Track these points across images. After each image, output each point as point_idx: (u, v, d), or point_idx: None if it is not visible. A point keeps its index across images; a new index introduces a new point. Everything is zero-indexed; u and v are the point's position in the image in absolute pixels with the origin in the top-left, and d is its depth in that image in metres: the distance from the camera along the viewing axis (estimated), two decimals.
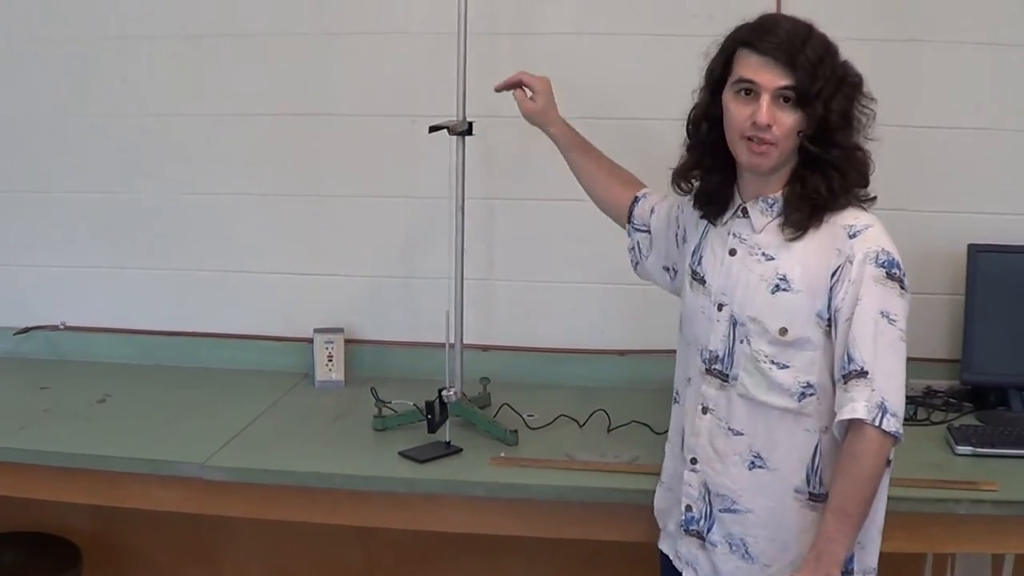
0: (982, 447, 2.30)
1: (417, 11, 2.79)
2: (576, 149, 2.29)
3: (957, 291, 2.67)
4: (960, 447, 2.31)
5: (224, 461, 2.32)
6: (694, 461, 1.91)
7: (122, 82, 2.95)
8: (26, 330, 3.05)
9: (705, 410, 1.89)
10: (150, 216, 3.01)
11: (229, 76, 2.91)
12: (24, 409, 2.62)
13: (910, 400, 2.33)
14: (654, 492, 2.10)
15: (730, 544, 1.87)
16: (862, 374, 1.71)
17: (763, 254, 1.82)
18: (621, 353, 2.86)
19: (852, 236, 1.75)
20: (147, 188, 3.00)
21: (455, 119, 2.51)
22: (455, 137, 2.51)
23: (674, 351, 2.79)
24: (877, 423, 1.69)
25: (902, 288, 1.74)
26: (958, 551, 2.73)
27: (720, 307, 1.87)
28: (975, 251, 2.62)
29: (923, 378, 2.63)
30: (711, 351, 1.88)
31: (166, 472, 2.32)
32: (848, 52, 1.81)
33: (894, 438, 1.72)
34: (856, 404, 1.70)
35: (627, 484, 2.20)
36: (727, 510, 1.87)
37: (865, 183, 1.81)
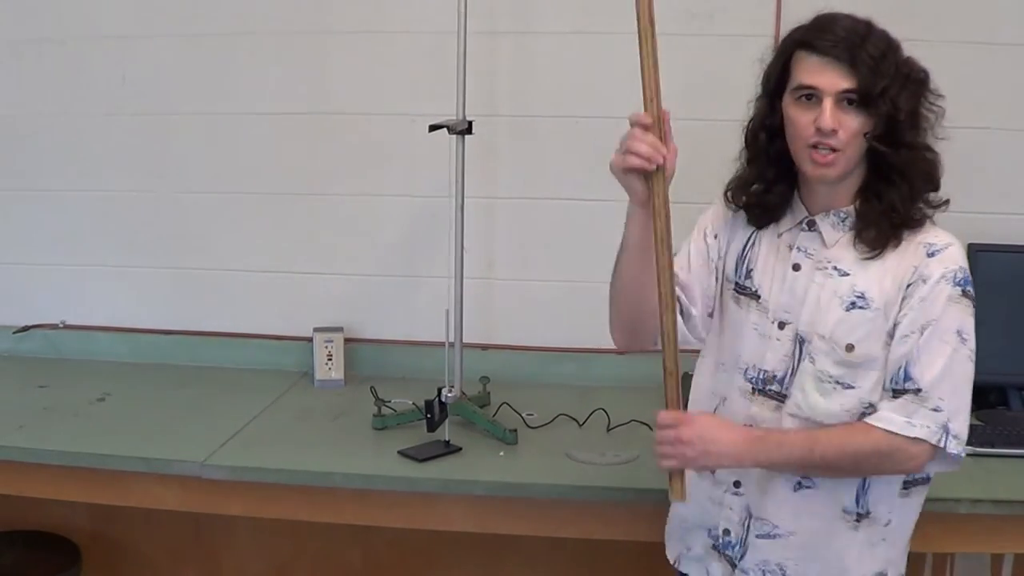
0: (982, 447, 2.30)
1: (417, 11, 2.79)
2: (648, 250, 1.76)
3: None
4: None
5: (223, 460, 2.32)
6: (738, 484, 1.83)
7: (122, 81, 2.95)
8: (25, 328, 3.06)
9: None
10: (150, 215, 3.01)
11: (229, 75, 2.91)
12: (23, 408, 2.62)
13: None
14: (653, 491, 2.10)
15: (764, 571, 1.81)
16: (916, 392, 1.67)
17: (836, 269, 1.73)
18: (621, 352, 2.86)
19: (931, 255, 1.69)
20: (147, 187, 3.00)
21: (455, 118, 2.51)
22: (455, 136, 2.51)
23: None
24: (941, 444, 1.66)
25: (973, 306, 1.71)
26: (957, 551, 2.74)
27: (782, 325, 1.77)
28: (975, 251, 2.62)
29: None
30: (766, 371, 1.78)
31: (165, 471, 2.32)
32: None
33: (954, 460, 1.69)
34: (910, 420, 1.66)
35: (627, 483, 2.20)
36: (766, 535, 1.80)
37: (935, 186, 1.74)
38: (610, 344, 2.84)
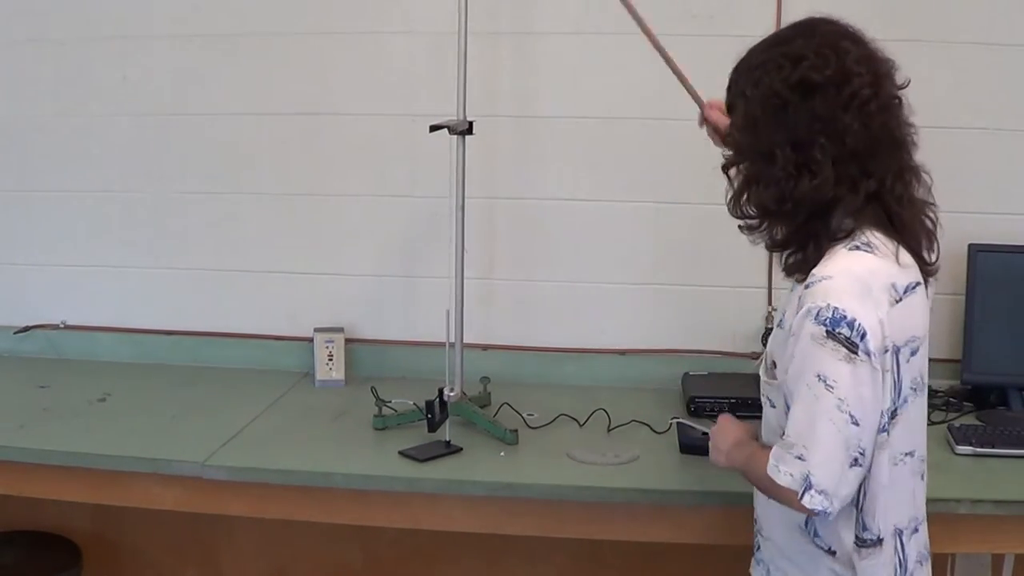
0: (982, 447, 2.30)
1: (417, 11, 2.79)
2: None
3: (957, 291, 2.67)
4: (960, 447, 2.31)
5: (224, 460, 2.32)
6: None
7: (123, 81, 2.95)
8: (26, 329, 3.06)
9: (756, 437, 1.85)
10: (150, 215, 3.01)
11: (229, 75, 2.91)
12: (24, 408, 2.62)
13: None
14: (653, 491, 2.10)
15: (768, 568, 1.83)
16: (782, 434, 1.63)
17: (792, 289, 1.73)
18: (621, 352, 2.86)
19: (807, 287, 1.59)
20: (147, 187, 3.00)
21: (455, 118, 2.51)
22: (455, 136, 2.51)
23: (672, 351, 2.81)
24: (799, 496, 1.58)
25: (850, 351, 1.53)
26: (958, 551, 2.73)
27: None
28: (975, 251, 2.62)
29: None
30: None
31: (166, 471, 2.32)
32: None
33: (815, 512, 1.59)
34: (777, 465, 1.61)
35: (627, 483, 2.20)
36: (759, 534, 1.85)
37: (780, 204, 1.61)
38: (610, 344, 2.87)
